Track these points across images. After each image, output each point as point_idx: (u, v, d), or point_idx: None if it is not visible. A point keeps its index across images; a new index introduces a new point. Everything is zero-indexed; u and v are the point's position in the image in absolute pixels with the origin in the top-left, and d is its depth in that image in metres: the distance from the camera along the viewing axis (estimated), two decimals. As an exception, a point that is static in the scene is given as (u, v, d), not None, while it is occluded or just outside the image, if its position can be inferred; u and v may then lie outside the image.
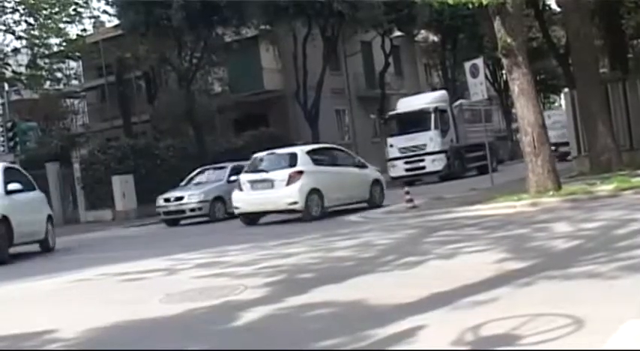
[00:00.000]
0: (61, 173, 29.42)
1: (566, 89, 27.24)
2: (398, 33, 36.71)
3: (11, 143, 28.91)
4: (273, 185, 16.63)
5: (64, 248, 15.74)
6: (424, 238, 10.51)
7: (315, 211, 16.47)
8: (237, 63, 33.85)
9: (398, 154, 29.17)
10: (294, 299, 6.39)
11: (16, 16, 30.79)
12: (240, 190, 17.31)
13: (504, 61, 14.60)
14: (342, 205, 17.58)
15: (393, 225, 13.14)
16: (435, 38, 46.44)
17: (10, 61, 31.79)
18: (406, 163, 29.00)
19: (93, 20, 34.63)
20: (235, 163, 22.38)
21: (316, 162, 17.30)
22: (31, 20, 30.88)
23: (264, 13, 30.11)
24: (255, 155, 18.13)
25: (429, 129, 28.77)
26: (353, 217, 15.83)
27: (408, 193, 16.49)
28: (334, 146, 20.57)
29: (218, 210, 20.97)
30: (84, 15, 32.53)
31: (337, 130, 38.29)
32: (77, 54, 33.21)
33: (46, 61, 32.09)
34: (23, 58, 32.56)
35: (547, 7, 33.88)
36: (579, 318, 4.58)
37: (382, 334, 4.82)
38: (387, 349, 4.55)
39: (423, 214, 14.39)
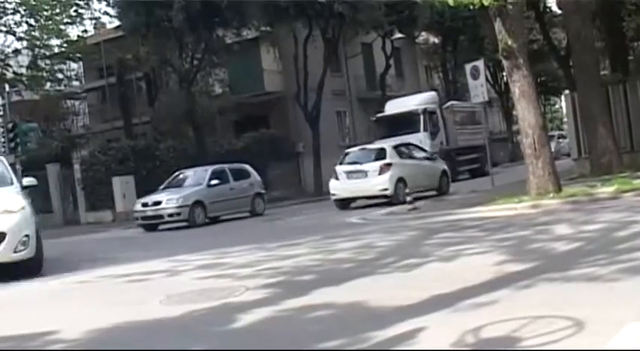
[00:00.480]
0: (61, 174, 29.47)
1: (566, 91, 27.31)
2: (399, 35, 36.71)
3: (12, 144, 28.91)
4: (366, 175, 19.79)
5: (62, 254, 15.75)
6: (425, 239, 10.51)
7: (402, 196, 18.37)
8: (237, 64, 33.86)
9: None
10: (294, 301, 6.40)
11: (17, 17, 30.86)
12: (337, 179, 20.36)
13: (505, 63, 14.61)
14: (419, 192, 20.01)
15: (393, 227, 13.14)
16: (436, 40, 46.46)
17: (11, 62, 31.83)
18: None
19: (94, 21, 34.58)
20: (217, 166, 22.02)
21: (400, 156, 20.62)
22: (31, 21, 30.92)
23: (265, 14, 30.12)
24: (348, 150, 21.97)
25: (417, 131, 28.06)
26: (354, 219, 15.84)
27: (408, 194, 16.52)
28: (411, 143, 23.72)
29: (198, 215, 20.13)
30: (85, 16, 32.59)
31: (338, 132, 38.27)
32: (78, 55, 33.26)
33: (47, 62, 32.13)
34: (24, 59, 32.59)
35: (548, 9, 33.92)
36: (580, 320, 4.58)
37: (383, 336, 4.83)
38: (387, 349, 4.55)
39: (424, 216, 14.39)
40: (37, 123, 36.16)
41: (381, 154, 20.48)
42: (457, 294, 5.92)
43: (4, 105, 33.90)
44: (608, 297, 5.43)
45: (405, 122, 28.01)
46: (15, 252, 10.04)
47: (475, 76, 19.43)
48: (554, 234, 9.52)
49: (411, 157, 21.68)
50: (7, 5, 30.57)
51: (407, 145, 22.60)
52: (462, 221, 12.55)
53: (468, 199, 16.72)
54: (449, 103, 31.25)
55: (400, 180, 19.63)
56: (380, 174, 19.61)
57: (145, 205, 20.56)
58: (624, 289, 5.58)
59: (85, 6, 32.14)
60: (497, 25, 14.28)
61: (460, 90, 42.49)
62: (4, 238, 9.97)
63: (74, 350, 5.48)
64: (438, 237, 10.64)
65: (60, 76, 33.22)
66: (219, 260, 10.23)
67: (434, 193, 21.01)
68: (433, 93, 32.16)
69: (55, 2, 30.75)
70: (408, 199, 16.32)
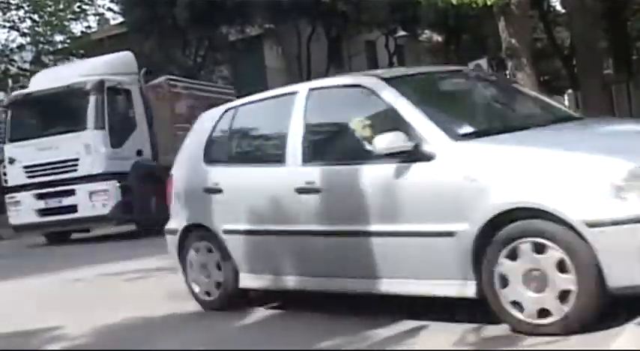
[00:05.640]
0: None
1: (569, 90, 27.28)
2: (402, 33, 36.67)
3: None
4: None
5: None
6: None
7: None
8: (241, 62, 33.86)
9: (25, 180, 15.67)
10: (294, 297, 6.39)
11: (21, 13, 30.88)
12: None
13: (508, 61, 14.59)
14: None
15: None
16: (439, 38, 46.41)
17: (16, 58, 31.85)
18: (40, 197, 15.53)
19: (97, 17, 34.59)
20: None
21: None
22: (35, 17, 30.94)
23: (269, 12, 30.11)
24: None
25: (84, 128, 15.21)
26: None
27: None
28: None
29: None
30: (88, 12, 32.56)
31: (340, 130, 38.27)
32: (81, 51, 33.22)
33: (51, 57, 32.10)
34: (28, 55, 32.59)
35: (552, 9, 33.86)
36: (581, 320, 4.56)
37: (383, 334, 4.82)
38: (387, 349, 4.54)
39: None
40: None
41: None
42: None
43: (7, 100, 33.86)
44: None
45: (62, 111, 15.56)
46: None
47: (478, 75, 19.38)
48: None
49: None
50: (12, 1, 30.60)
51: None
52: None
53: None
54: (162, 78, 18.12)
55: None
56: None
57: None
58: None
59: (89, 2, 32.16)
60: (501, 24, 14.25)
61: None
62: None
63: (75, 350, 5.48)
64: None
65: (63, 72, 33.19)
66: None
67: None
68: (126, 54, 17.71)
69: (58, -2, 30.79)
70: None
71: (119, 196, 15.16)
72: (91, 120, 15.24)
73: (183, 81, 19.40)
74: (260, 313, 5.99)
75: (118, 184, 15.18)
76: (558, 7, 31.58)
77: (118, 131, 15.58)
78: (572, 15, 19.42)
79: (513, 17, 14.09)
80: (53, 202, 15.39)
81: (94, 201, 15.09)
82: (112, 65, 16.71)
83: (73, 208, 15.24)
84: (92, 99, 15.20)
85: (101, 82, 15.34)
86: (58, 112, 15.65)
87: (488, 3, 13.60)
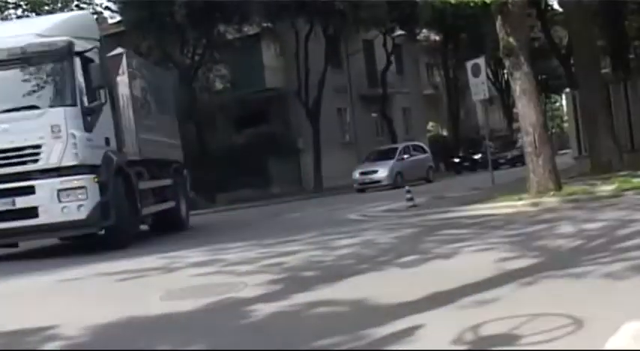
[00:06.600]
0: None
1: (567, 89, 27.29)
2: (400, 32, 36.69)
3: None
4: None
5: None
6: (425, 237, 10.50)
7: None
8: (238, 60, 33.84)
9: None
10: (293, 297, 6.39)
11: (19, 12, 30.85)
12: None
13: (506, 60, 14.60)
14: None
15: (393, 224, 13.13)
16: (437, 37, 46.42)
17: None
18: None
19: (95, 16, 34.54)
20: None
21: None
22: (33, 16, 30.88)
23: (267, 10, 30.11)
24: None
25: (49, 104, 11.96)
26: (353, 216, 15.83)
27: (409, 192, 16.52)
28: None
29: None
30: (86, 11, 32.52)
31: (338, 129, 38.27)
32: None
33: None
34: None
35: (549, 7, 33.88)
36: (579, 318, 4.58)
37: (382, 333, 4.82)
38: (386, 348, 4.54)
39: (424, 213, 14.39)
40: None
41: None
42: (457, 291, 5.91)
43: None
44: (608, 295, 5.42)
45: (13, 80, 11.98)
46: None
47: (476, 74, 19.40)
48: (554, 232, 9.52)
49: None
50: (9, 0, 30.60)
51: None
52: (461, 219, 12.54)
53: (468, 196, 16.70)
54: (121, 50, 15.11)
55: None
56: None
57: None
58: (624, 287, 5.58)
59: (87, 1, 32.13)
60: (499, 22, 14.27)
61: (461, 87, 42.49)
62: None
63: (74, 350, 5.47)
64: (437, 234, 10.63)
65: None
66: (216, 256, 10.22)
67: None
68: (86, 16, 16.36)
69: (56, -4, 30.77)
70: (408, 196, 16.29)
71: (97, 196, 11.90)
72: (61, 93, 11.93)
73: (138, 58, 17.09)
74: (260, 313, 5.99)
75: (95, 180, 11.95)
76: (556, 6, 31.60)
77: (87, 112, 12.14)
78: (570, 14, 19.46)
79: (511, 16, 14.10)
80: (1, 204, 11.73)
81: (64, 202, 11.60)
82: (71, 27, 12.95)
83: (31, 212, 11.65)
84: (60, 66, 11.93)
85: (70, 44, 11.96)
86: (7, 83, 11.97)
87: (487, 2, 13.62)
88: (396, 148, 32.04)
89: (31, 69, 12.02)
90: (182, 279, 8.30)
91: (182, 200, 16.91)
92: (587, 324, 4.47)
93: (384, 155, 31.17)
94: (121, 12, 31.25)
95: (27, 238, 12.51)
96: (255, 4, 28.94)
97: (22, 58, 11.88)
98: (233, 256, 10.01)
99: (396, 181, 28.93)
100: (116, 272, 9.38)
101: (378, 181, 29.51)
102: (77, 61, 12.09)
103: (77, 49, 12.12)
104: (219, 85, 35.31)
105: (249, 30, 32.40)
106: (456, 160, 42.49)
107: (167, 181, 15.89)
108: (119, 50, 15.03)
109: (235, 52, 32.67)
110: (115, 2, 32.18)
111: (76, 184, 11.67)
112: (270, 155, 31.58)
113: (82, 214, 11.73)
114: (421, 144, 34.84)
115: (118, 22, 32.92)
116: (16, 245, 13.62)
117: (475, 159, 40.44)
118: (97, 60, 12.67)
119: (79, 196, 11.69)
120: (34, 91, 12.04)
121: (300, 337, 5.05)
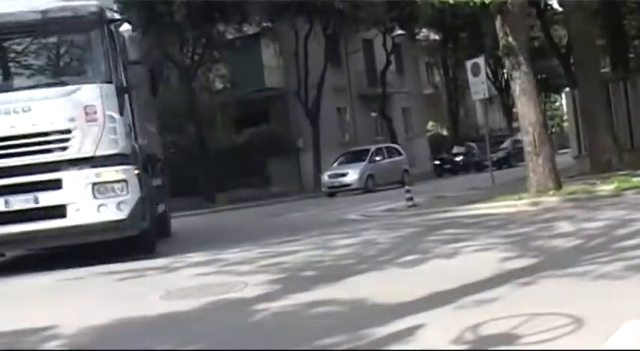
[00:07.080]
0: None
1: (567, 89, 27.27)
2: (399, 31, 36.69)
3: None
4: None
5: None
6: (424, 236, 10.50)
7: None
8: (238, 60, 33.84)
9: None
10: (293, 297, 6.39)
11: None
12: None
13: (506, 60, 14.60)
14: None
15: (393, 223, 13.13)
16: (437, 37, 46.41)
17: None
18: None
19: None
20: None
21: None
22: None
23: (266, 10, 30.12)
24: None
25: (79, 80, 10.05)
26: (353, 215, 15.83)
27: (408, 191, 16.53)
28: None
29: None
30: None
31: (338, 128, 38.26)
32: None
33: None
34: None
35: (549, 7, 33.87)
36: (579, 317, 4.58)
37: (382, 333, 4.82)
38: (386, 348, 4.54)
39: (424, 213, 14.39)
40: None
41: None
42: (457, 291, 5.91)
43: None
44: (608, 294, 5.42)
45: (35, 51, 10.40)
46: None
47: (476, 73, 19.38)
48: (554, 231, 9.51)
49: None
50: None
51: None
52: (461, 218, 12.54)
53: (468, 196, 16.70)
54: (129, 26, 11.70)
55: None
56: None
57: None
58: (624, 286, 5.58)
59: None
60: (498, 22, 14.27)
61: (461, 87, 42.50)
62: None
63: (73, 350, 5.47)
64: (437, 234, 10.63)
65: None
66: (216, 256, 10.22)
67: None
68: None
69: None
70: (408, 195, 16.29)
71: (138, 192, 10.05)
72: (95, 68, 10.01)
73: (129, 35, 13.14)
74: (260, 312, 5.99)
75: (136, 173, 10.12)
76: (555, 6, 31.59)
77: (121, 92, 10.31)
78: (570, 13, 19.44)
79: (510, 15, 14.10)
80: (19, 202, 9.74)
81: (101, 198, 9.75)
82: None
83: (58, 211, 9.77)
84: (91, 35, 9.98)
85: (101, 10, 10.23)
86: (28, 54, 10.22)
87: (486, 1, 13.61)
88: (368, 150, 30.13)
89: (56, 38, 10.24)
90: (182, 279, 8.30)
91: (167, 204, 15.09)
92: (587, 323, 4.47)
93: (356, 157, 29.49)
94: (120, 12, 31.22)
95: (52, 242, 10.35)
96: (254, 3, 28.95)
97: (44, 25, 9.90)
98: (233, 256, 10.01)
99: (367, 185, 27.63)
100: (116, 272, 9.38)
101: (347, 185, 27.66)
102: (110, 30, 10.30)
103: (109, 16, 10.52)
104: (218, 85, 35.34)
105: (249, 30, 32.42)
106: (437, 162, 39.57)
107: (158, 181, 13.70)
108: (127, 26, 11.77)
109: (235, 51, 32.69)
110: (114, 2, 32.15)
111: (115, 176, 9.73)
112: (269, 155, 31.57)
113: (122, 214, 9.80)
114: (396, 146, 32.87)
115: (118, 21, 32.90)
116: (2, 255, 12.09)
117: (456, 161, 38.44)
118: (124, 36, 10.87)
119: (119, 192, 9.76)
120: (59, 65, 10.31)
121: (300, 337, 5.05)
